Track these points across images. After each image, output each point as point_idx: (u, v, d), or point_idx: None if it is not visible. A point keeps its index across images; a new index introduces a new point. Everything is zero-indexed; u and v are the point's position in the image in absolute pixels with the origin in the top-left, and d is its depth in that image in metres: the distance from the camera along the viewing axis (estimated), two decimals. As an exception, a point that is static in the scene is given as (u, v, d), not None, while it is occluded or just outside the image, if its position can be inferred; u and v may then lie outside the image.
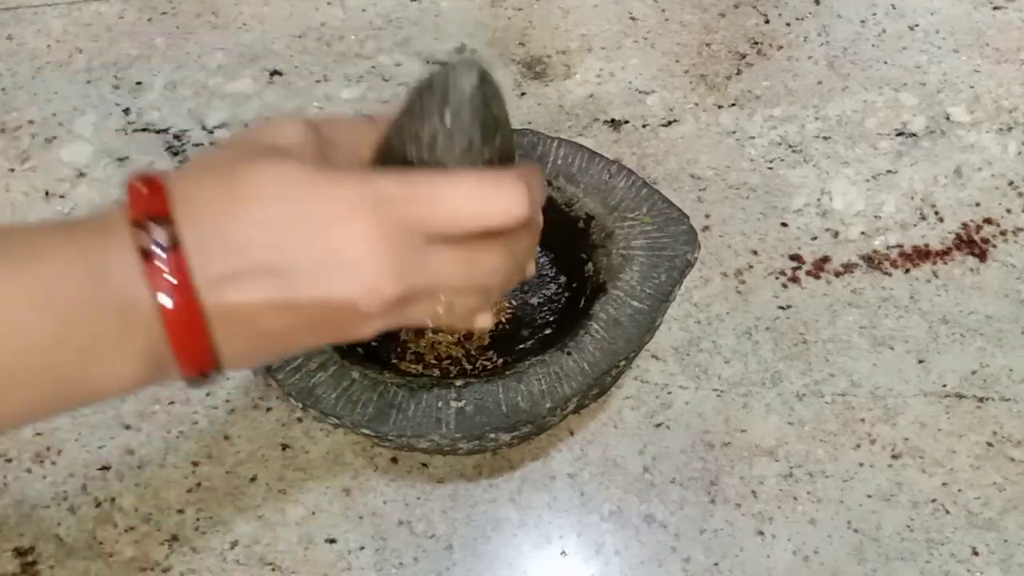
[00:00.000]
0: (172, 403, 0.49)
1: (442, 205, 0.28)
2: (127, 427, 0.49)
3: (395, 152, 0.31)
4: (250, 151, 0.28)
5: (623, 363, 0.42)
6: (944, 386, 0.50)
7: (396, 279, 0.28)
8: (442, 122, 0.30)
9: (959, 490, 0.47)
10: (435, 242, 0.29)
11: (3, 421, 0.27)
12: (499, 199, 0.29)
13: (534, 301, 0.50)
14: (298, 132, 0.30)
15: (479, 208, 0.29)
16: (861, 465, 0.48)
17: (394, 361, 0.48)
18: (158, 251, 0.26)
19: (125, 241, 0.26)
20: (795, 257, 0.55)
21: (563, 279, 0.50)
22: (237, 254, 0.27)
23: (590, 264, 0.47)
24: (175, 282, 0.26)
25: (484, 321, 0.34)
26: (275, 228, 0.27)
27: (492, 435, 0.40)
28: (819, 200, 0.58)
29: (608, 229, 0.46)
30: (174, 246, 0.26)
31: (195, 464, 0.48)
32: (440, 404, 0.41)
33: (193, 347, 0.27)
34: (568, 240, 0.48)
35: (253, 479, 0.47)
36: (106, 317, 0.26)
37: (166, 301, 0.26)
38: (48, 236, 0.27)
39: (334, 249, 0.27)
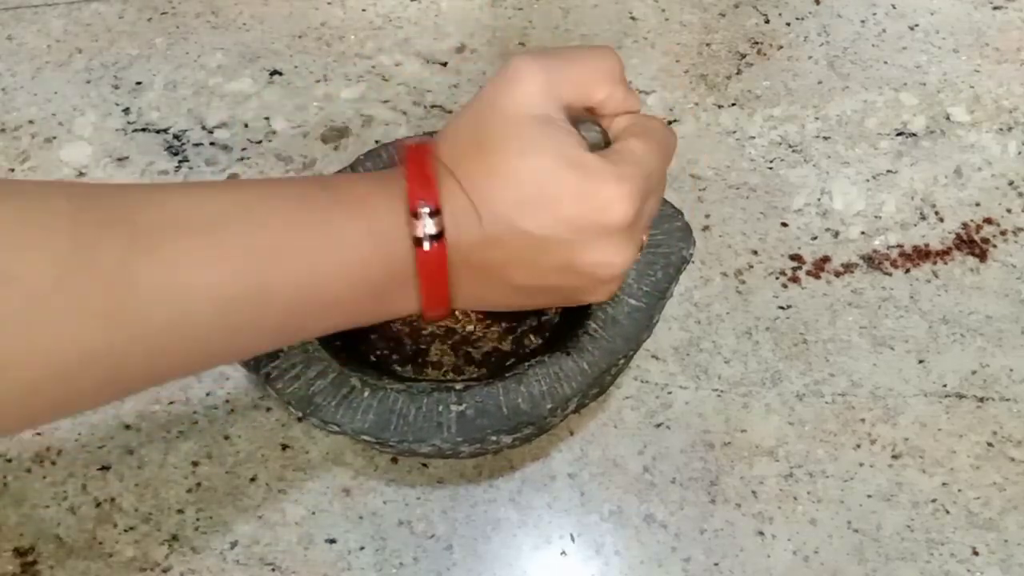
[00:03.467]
0: (172, 403, 0.49)
1: (669, 145, 0.35)
2: (127, 427, 0.49)
3: None
4: (507, 128, 0.32)
5: (622, 361, 0.42)
6: (944, 386, 0.50)
7: (638, 244, 0.34)
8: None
9: (959, 490, 0.47)
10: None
11: (309, 335, 0.34)
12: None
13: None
14: (539, 94, 0.33)
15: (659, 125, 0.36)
16: (861, 465, 0.48)
17: (394, 367, 0.48)
18: (427, 240, 0.32)
19: (402, 222, 0.32)
20: (795, 257, 0.55)
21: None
22: (493, 224, 0.32)
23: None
24: (437, 256, 0.32)
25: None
26: (534, 203, 0.32)
27: (493, 438, 0.40)
28: (819, 200, 0.58)
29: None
30: (440, 233, 0.32)
31: (195, 464, 0.48)
32: (441, 408, 0.41)
33: (437, 296, 0.33)
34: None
35: (253, 479, 0.47)
36: (388, 265, 0.32)
37: (425, 271, 0.32)
38: (360, 189, 0.33)
39: (596, 224, 0.32)
